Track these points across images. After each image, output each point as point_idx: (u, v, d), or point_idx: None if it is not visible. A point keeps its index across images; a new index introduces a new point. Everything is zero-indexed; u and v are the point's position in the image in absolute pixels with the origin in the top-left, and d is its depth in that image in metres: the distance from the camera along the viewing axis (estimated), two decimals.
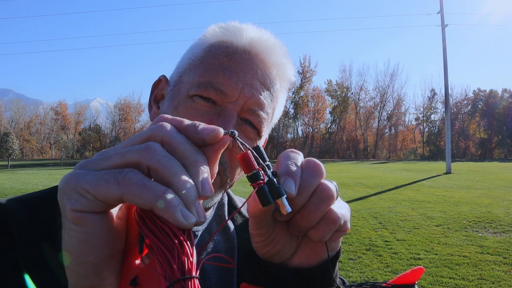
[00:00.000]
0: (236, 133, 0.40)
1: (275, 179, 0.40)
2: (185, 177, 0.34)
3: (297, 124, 72.59)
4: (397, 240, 6.64)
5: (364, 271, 5.03)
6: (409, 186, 15.81)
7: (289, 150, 0.46)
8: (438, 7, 27.99)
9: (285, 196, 0.40)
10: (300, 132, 74.70)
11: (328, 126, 73.91)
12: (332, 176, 21.87)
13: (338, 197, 0.46)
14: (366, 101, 74.18)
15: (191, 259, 0.33)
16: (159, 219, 0.33)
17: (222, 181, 0.68)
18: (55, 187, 0.69)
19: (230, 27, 0.72)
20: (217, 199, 0.71)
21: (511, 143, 67.51)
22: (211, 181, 0.36)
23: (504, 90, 70.38)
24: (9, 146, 62.63)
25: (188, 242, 0.33)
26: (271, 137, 70.48)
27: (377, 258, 5.61)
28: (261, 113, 0.68)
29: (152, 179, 0.34)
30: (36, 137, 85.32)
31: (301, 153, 0.46)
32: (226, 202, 0.82)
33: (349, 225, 0.46)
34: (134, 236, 0.38)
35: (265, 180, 0.40)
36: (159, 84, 0.78)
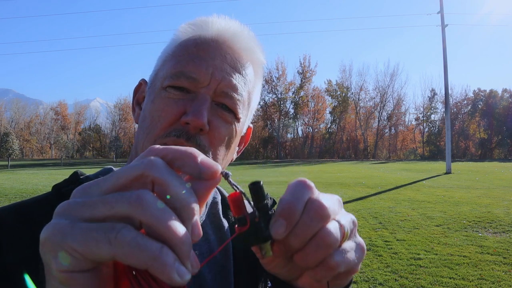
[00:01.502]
0: (230, 174, 0.38)
1: (262, 225, 0.39)
2: (181, 231, 0.32)
3: (297, 124, 72.67)
4: (397, 240, 6.65)
5: (364, 271, 5.04)
6: (409, 186, 15.81)
7: (300, 181, 0.42)
8: (438, 7, 28.02)
9: (269, 241, 0.39)
10: (300, 132, 74.78)
11: (328, 126, 73.96)
12: (332, 176, 21.89)
13: (355, 234, 0.44)
14: (366, 101, 74.29)
15: None
16: (153, 279, 0.32)
17: None
18: (48, 193, 0.70)
19: (198, 22, 0.74)
20: None
21: (511, 143, 67.51)
22: (200, 222, 0.35)
23: (504, 90, 70.42)
24: (9, 146, 62.66)
25: None
26: (271, 137, 70.53)
27: (377, 258, 5.61)
28: (235, 95, 0.69)
29: (144, 233, 0.32)
30: (36, 137, 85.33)
31: (312, 186, 0.42)
32: (219, 201, 0.82)
33: (358, 267, 0.43)
34: (123, 286, 0.35)
35: (249, 226, 0.39)
36: (140, 88, 0.81)
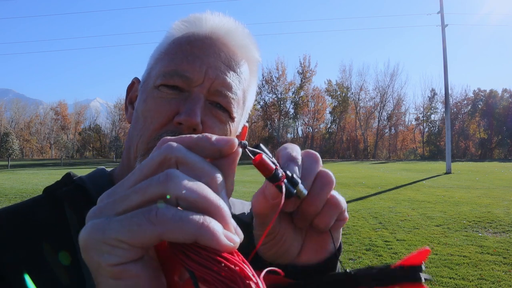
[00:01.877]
0: (247, 143, 0.39)
1: (289, 173, 0.42)
2: (217, 199, 0.32)
3: (297, 124, 72.62)
4: (397, 240, 6.65)
5: None
6: (409, 186, 15.81)
7: (286, 144, 0.47)
8: (438, 7, 28.02)
9: (301, 182, 0.42)
10: (300, 132, 74.75)
11: (328, 126, 73.92)
12: None
13: None
14: (366, 101, 74.25)
15: (255, 280, 0.31)
16: (203, 248, 0.31)
17: None
18: (40, 196, 0.69)
19: (191, 19, 0.73)
20: None
21: (511, 143, 67.50)
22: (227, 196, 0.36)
23: (504, 90, 70.39)
24: (9, 146, 62.66)
25: (245, 264, 0.31)
26: (271, 137, 70.49)
27: (377, 258, 5.61)
28: (229, 93, 0.68)
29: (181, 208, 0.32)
30: (36, 137, 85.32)
31: (298, 146, 0.47)
32: None
33: (347, 214, 0.48)
34: (171, 271, 0.35)
35: (284, 176, 0.40)
36: (133, 86, 0.80)
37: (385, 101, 71.80)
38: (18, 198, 11.52)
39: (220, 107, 0.68)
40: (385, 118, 72.14)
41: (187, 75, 0.66)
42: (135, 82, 0.80)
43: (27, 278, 0.55)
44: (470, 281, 4.65)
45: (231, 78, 0.69)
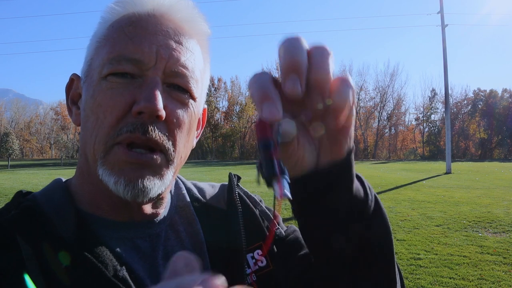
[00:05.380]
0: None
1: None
2: None
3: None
4: (397, 240, 6.64)
5: None
6: (409, 186, 15.81)
7: (289, 37, 0.42)
8: (438, 7, 27.98)
9: (276, 183, 0.40)
10: None
11: None
12: None
13: None
14: (366, 101, 74.19)
15: None
16: None
17: (167, 158, 0.61)
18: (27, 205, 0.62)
19: None
20: (167, 180, 0.62)
21: (511, 143, 67.49)
22: None
23: (504, 90, 70.38)
24: (9, 146, 62.72)
25: None
26: None
27: None
28: (186, 72, 0.62)
29: None
30: (36, 137, 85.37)
31: (300, 36, 0.43)
32: (185, 192, 0.76)
33: (354, 103, 0.46)
34: None
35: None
36: (73, 84, 0.71)
37: (385, 101, 71.80)
38: None
39: (178, 88, 0.62)
40: (385, 118, 72.12)
41: (137, 58, 0.58)
42: (74, 79, 0.70)
43: (27, 278, 0.51)
44: (470, 281, 4.65)
45: (185, 55, 0.62)
